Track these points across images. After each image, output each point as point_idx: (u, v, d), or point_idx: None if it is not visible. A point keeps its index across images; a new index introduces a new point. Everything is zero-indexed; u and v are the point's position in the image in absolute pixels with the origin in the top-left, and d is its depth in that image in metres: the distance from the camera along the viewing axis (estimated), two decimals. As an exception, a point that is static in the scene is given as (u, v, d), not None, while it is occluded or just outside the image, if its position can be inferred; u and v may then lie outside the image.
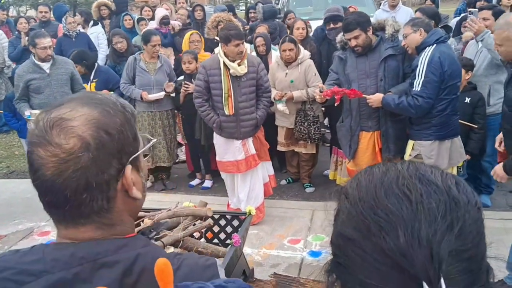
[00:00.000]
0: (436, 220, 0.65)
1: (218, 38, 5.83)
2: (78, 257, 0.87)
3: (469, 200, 0.69)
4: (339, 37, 4.15)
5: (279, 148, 5.22)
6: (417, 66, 3.63)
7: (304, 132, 4.87)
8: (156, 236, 2.35)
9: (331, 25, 5.33)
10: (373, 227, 0.67)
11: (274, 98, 4.83)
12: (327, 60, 5.12)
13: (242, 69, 4.22)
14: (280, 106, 4.88)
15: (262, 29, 5.81)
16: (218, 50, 4.37)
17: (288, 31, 6.00)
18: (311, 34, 5.89)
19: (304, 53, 4.94)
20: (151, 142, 1.04)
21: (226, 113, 4.31)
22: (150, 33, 5.30)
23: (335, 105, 4.03)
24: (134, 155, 0.94)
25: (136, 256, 0.90)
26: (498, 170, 3.08)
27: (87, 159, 0.86)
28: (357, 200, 0.72)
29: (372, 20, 4.20)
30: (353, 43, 3.93)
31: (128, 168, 0.92)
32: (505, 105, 3.16)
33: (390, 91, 3.89)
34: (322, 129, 5.04)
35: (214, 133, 4.55)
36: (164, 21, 7.03)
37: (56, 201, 0.88)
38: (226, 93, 4.28)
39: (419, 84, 3.60)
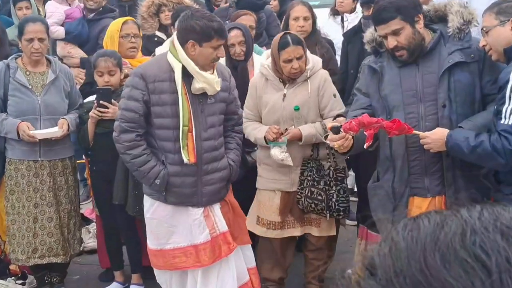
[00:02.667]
0: None
1: (160, 35, 4.32)
2: None
3: None
4: (369, 34, 2.87)
5: (265, 232, 3.26)
6: (507, 82, 2.62)
7: (319, 198, 3.16)
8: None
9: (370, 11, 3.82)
10: None
11: (265, 138, 3.16)
12: (356, 70, 3.57)
13: (218, 84, 2.82)
14: (277, 153, 3.11)
15: (247, 20, 3.92)
16: (168, 48, 2.89)
17: (282, 24, 4.09)
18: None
19: (314, 61, 3.30)
20: None
21: (185, 160, 2.75)
22: (27, 19, 3.81)
23: (365, 147, 2.65)
24: None
25: None
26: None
27: None
28: (391, 275, 0.49)
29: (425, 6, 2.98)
30: (391, 42, 2.75)
31: None
32: None
33: (460, 126, 2.80)
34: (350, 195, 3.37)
35: (150, 198, 2.90)
36: None
37: None
38: (186, 125, 2.76)
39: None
